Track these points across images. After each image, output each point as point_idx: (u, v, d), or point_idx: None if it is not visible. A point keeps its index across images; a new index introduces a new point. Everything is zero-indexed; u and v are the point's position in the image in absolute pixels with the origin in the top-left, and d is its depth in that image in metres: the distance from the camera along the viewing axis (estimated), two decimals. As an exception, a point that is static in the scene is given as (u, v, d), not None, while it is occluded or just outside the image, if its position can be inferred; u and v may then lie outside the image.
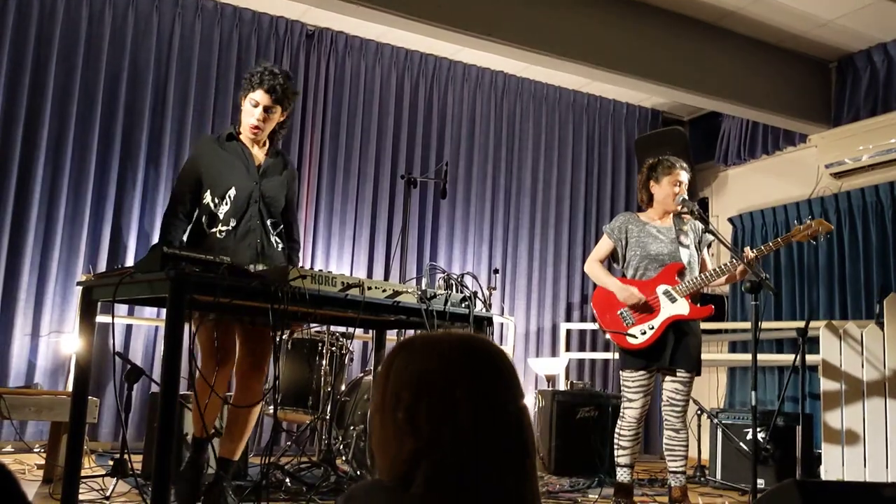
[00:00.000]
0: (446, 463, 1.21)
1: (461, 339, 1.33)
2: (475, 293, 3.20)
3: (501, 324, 6.81)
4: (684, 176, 4.06)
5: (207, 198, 3.32)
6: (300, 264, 3.61)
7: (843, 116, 6.47)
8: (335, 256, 6.39)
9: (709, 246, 4.18)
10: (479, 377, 1.27)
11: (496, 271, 6.51)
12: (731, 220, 7.28)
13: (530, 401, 6.51)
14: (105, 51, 5.74)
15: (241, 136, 3.42)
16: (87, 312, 2.97)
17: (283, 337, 4.61)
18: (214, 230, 3.29)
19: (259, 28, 6.31)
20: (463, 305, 3.17)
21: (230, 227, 3.29)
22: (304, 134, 6.40)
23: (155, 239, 5.73)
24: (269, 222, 3.37)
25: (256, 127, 3.35)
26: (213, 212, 3.30)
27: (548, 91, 7.48)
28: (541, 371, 6.53)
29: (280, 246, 3.42)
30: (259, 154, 3.43)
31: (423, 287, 3.11)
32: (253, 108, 3.33)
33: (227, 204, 3.30)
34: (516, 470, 1.26)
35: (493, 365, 1.30)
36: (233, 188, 3.31)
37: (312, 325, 4.55)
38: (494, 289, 6.18)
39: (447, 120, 7.03)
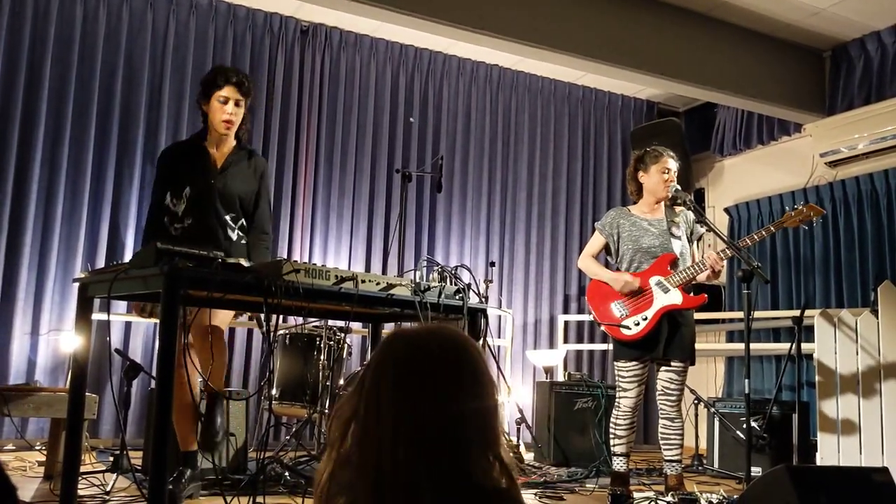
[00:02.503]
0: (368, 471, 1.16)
1: (412, 333, 1.28)
2: (468, 285, 3.21)
3: (499, 316, 6.83)
4: (672, 164, 4.08)
5: (167, 198, 3.49)
6: (277, 256, 3.70)
7: (837, 105, 6.48)
8: (332, 252, 6.41)
9: (700, 239, 4.20)
10: (405, 380, 1.20)
11: (492, 264, 6.53)
12: (727, 210, 7.30)
13: (527, 393, 6.54)
14: (100, 48, 5.76)
15: (208, 140, 3.57)
16: (84, 308, 2.99)
17: (280, 335, 4.64)
18: (173, 228, 3.45)
19: (253, 25, 6.32)
20: (457, 297, 3.19)
21: (185, 225, 3.45)
22: (300, 130, 6.42)
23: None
24: (227, 217, 3.50)
25: (229, 120, 3.51)
26: (172, 211, 3.47)
27: (542, 84, 7.49)
28: (539, 363, 6.56)
29: (242, 240, 3.54)
30: (220, 154, 3.58)
31: (418, 280, 3.13)
32: (223, 104, 3.49)
33: (183, 202, 3.46)
34: (456, 491, 1.17)
35: (430, 365, 1.23)
36: (188, 187, 3.46)
37: (310, 319, 4.58)
38: (491, 281, 6.22)
39: (442, 114, 7.05)
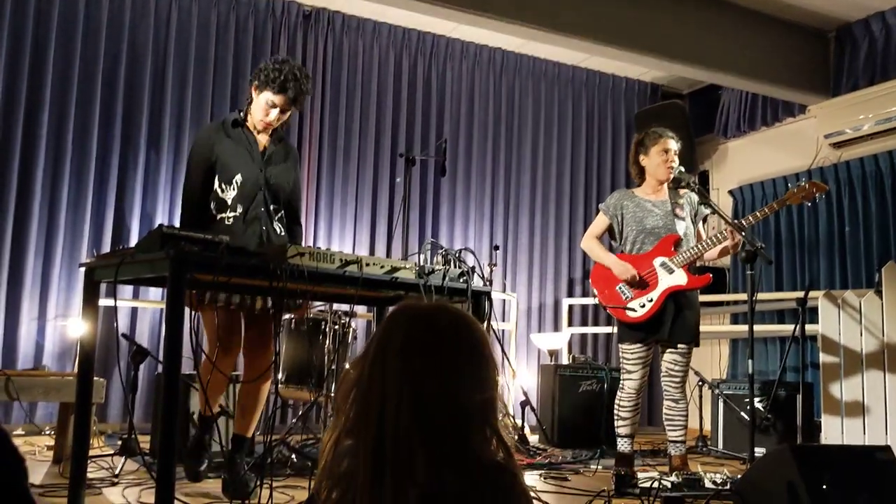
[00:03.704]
0: (370, 446, 1.19)
1: (418, 307, 1.30)
2: (472, 268, 3.23)
3: (504, 300, 6.85)
4: (672, 144, 4.07)
5: (216, 184, 3.35)
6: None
7: (842, 86, 6.46)
8: (337, 236, 6.43)
9: (704, 220, 4.21)
10: (409, 351, 1.23)
11: (496, 248, 6.54)
12: (731, 192, 7.29)
13: (532, 376, 6.57)
14: (103, 34, 5.77)
15: (248, 124, 3.43)
16: (91, 293, 3.01)
17: (285, 319, 4.66)
18: (223, 216, 3.33)
19: (256, 10, 6.31)
20: (461, 281, 3.20)
21: (237, 213, 3.33)
22: (304, 115, 6.41)
23: (158, 221, 5.78)
24: (272, 208, 3.41)
25: (270, 124, 3.39)
26: (221, 198, 3.34)
27: (546, 67, 7.48)
28: (543, 346, 6.58)
29: (282, 232, 3.46)
30: (263, 140, 3.45)
31: (422, 263, 3.15)
32: (269, 107, 3.34)
33: (234, 190, 3.33)
34: (453, 462, 1.19)
35: (436, 343, 1.25)
36: (239, 174, 3.34)
37: (315, 304, 4.60)
38: (495, 265, 6.22)
39: (446, 98, 7.04)
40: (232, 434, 3.52)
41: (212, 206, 3.35)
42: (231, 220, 3.32)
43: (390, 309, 1.38)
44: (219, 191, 3.34)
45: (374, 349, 1.26)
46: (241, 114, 3.45)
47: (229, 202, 3.33)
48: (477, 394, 1.24)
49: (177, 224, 3.44)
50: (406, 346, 1.24)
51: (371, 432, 1.20)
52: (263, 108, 3.34)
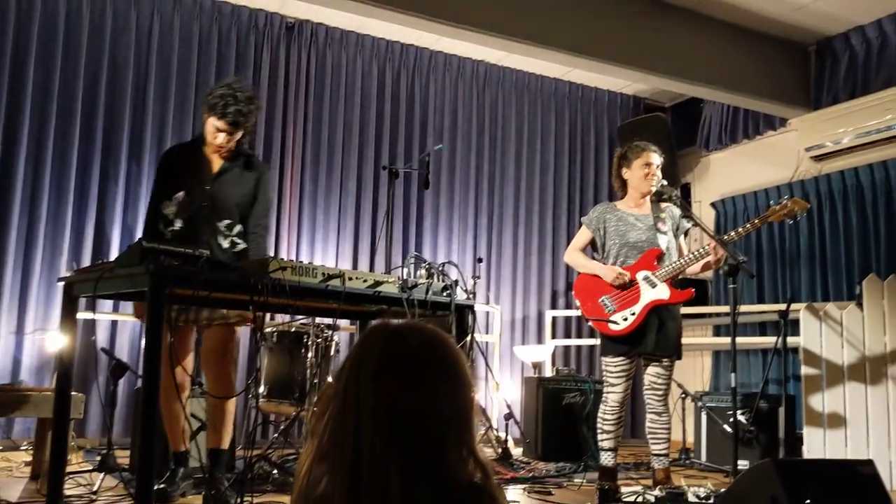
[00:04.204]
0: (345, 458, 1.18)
1: (392, 327, 1.29)
2: (456, 281, 3.22)
3: (487, 312, 6.84)
4: (655, 157, 4.09)
5: (162, 200, 3.49)
6: (271, 252, 3.73)
7: (822, 100, 6.51)
8: (320, 249, 6.40)
9: (686, 233, 4.21)
10: (384, 371, 1.22)
11: (480, 260, 6.54)
12: (713, 204, 7.32)
13: (515, 388, 6.55)
14: (84, 46, 5.73)
15: (207, 144, 3.54)
16: (69, 307, 2.98)
17: (266, 332, 4.64)
18: (165, 231, 3.45)
19: (238, 21, 6.29)
20: (444, 294, 3.19)
21: (176, 228, 3.43)
22: (286, 127, 6.40)
23: (138, 234, 5.73)
24: (221, 224, 3.48)
25: (220, 147, 3.50)
26: (164, 213, 3.46)
27: (529, 80, 7.50)
28: (527, 358, 6.57)
29: (239, 246, 3.51)
30: (218, 159, 3.55)
31: (405, 277, 3.13)
32: (216, 131, 3.46)
33: (175, 205, 3.44)
34: (429, 483, 1.18)
35: (408, 357, 1.24)
36: (181, 191, 3.45)
37: (297, 316, 4.57)
38: (479, 277, 6.22)
39: (429, 110, 7.04)
40: (208, 449, 3.52)
41: (158, 222, 3.48)
42: (170, 234, 3.43)
43: (367, 327, 1.37)
44: (162, 207, 3.48)
45: (348, 369, 1.25)
46: (202, 135, 3.57)
47: (170, 217, 3.45)
48: (452, 413, 1.22)
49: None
50: (380, 365, 1.23)
51: (346, 454, 1.19)
52: (211, 132, 3.48)
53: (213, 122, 3.44)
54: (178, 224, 3.43)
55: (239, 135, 3.51)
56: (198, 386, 4.15)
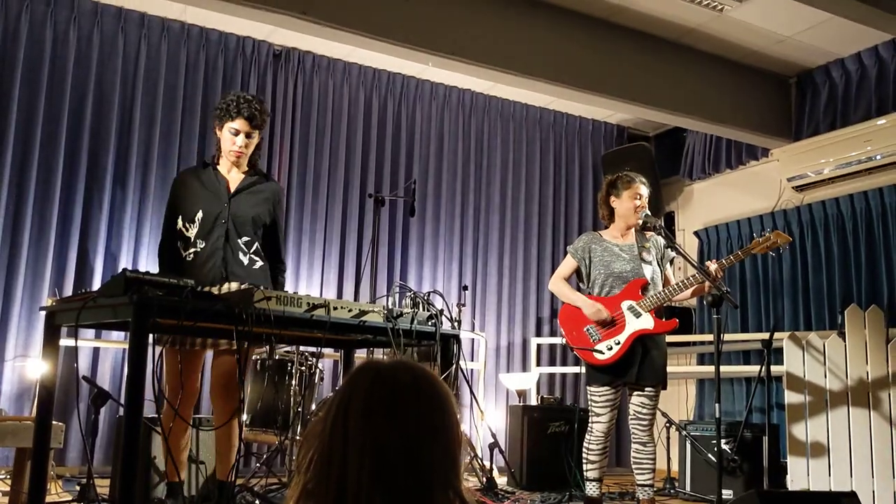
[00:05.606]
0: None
1: (381, 366, 1.29)
2: (441, 311, 3.22)
3: (472, 339, 6.83)
4: (644, 190, 4.13)
5: (179, 223, 3.45)
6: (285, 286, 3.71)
7: (803, 131, 6.60)
8: (304, 276, 6.38)
9: (671, 262, 4.24)
10: (372, 411, 1.21)
11: (465, 288, 6.54)
12: (696, 233, 7.38)
13: (500, 416, 6.53)
14: (70, 72, 5.71)
15: (220, 164, 3.54)
16: (51, 337, 2.96)
17: (245, 358, 4.60)
18: (187, 253, 3.41)
19: (226, 49, 6.31)
20: (430, 324, 3.19)
21: (198, 249, 3.39)
22: (273, 153, 6.40)
23: (122, 262, 5.70)
24: (240, 241, 3.44)
25: (240, 152, 3.48)
26: (185, 236, 3.42)
27: (514, 108, 7.55)
28: (512, 386, 6.56)
29: (258, 264, 3.48)
30: (234, 177, 3.54)
31: (390, 306, 3.13)
32: (234, 135, 3.45)
33: (196, 226, 3.41)
34: None
35: (392, 394, 1.24)
36: (200, 211, 3.41)
37: (280, 345, 4.55)
38: (464, 305, 6.21)
39: (415, 138, 7.07)
40: (217, 481, 3.50)
41: (178, 245, 3.44)
42: (192, 255, 3.39)
43: (356, 361, 1.37)
44: (183, 229, 3.44)
45: (334, 409, 1.24)
46: (213, 157, 3.56)
47: (192, 238, 3.41)
48: (439, 455, 1.22)
49: (143, 267, 3.45)
50: (367, 405, 1.22)
51: (332, 494, 1.18)
52: (229, 138, 3.47)
53: (229, 126, 3.44)
54: (200, 245, 3.39)
55: (256, 138, 3.52)
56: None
